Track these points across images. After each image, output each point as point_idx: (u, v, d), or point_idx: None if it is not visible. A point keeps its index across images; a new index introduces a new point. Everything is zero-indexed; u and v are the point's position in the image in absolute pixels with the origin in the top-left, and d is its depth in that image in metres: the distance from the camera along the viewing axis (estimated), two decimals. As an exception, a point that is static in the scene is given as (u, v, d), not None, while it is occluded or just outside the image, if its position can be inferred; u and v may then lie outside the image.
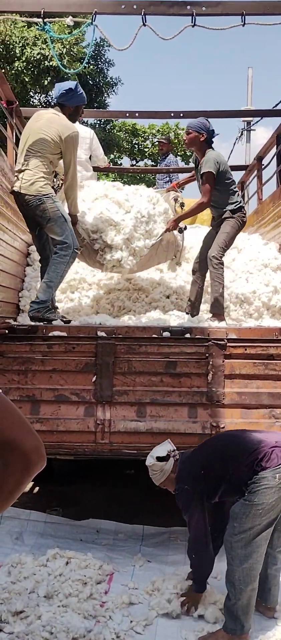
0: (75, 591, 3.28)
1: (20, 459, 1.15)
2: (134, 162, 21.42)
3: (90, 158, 6.88)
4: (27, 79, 12.02)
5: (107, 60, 17.53)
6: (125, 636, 2.97)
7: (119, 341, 3.75)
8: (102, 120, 17.42)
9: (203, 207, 4.63)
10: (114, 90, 18.11)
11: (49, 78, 12.16)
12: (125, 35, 4.86)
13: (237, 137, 15.23)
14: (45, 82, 12.19)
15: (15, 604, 3.10)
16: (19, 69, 11.69)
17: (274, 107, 7.17)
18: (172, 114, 7.72)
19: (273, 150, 6.51)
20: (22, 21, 10.27)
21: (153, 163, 21.10)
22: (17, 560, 3.58)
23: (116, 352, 3.73)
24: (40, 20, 4.65)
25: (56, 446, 3.69)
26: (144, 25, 4.41)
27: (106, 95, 18.00)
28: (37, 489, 5.31)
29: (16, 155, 5.75)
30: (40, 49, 11.54)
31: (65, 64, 11.33)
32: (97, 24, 4.55)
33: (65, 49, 11.62)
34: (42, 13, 4.55)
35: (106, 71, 17.67)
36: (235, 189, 4.75)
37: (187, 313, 4.78)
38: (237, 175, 8.32)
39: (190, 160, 21.25)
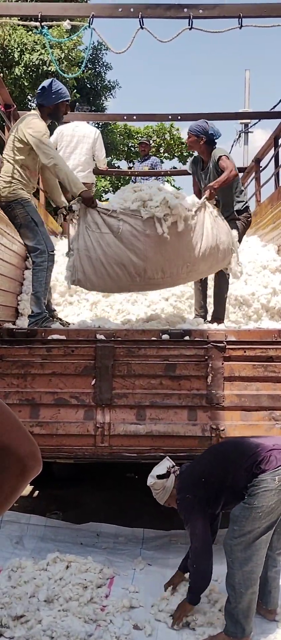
0: (75, 595, 3.28)
1: (15, 464, 1.14)
2: (131, 165, 21.43)
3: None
4: (25, 84, 12.03)
5: (104, 63, 17.57)
6: (126, 640, 2.96)
7: (118, 344, 3.75)
8: (100, 123, 17.43)
9: (234, 176, 4.38)
10: (111, 94, 18.14)
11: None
12: (123, 39, 4.88)
13: (235, 139, 15.27)
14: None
15: (16, 609, 3.09)
16: (18, 74, 11.70)
17: (272, 109, 7.19)
18: (170, 117, 7.74)
19: (271, 152, 6.52)
20: (21, 25, 10.30)
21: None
22: (17, 565, 3.57)
23: (115, 355, 3.73)
24: (38, 24, 4.65)
25: (55, 450, 3.68)
26: (141, 28, 4.42)
27: (103, 99, 18.02)
28: (37, 492, 5.30)
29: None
30: (39, 54, 11.55)
31: (63, 68, 11.34)
32: (95, 28, 4.56)
33: (63, 54, 11.63)
34: (39, 17, 4.55)
35: (103, 74, 17.71)
36: (241, 188, 4.74)
37: (197, 316, 4.73)
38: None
39: (187, 160, 21.28)
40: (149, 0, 4.52)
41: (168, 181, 10.33)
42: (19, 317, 4.96)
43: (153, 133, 21.10)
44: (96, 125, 16.87)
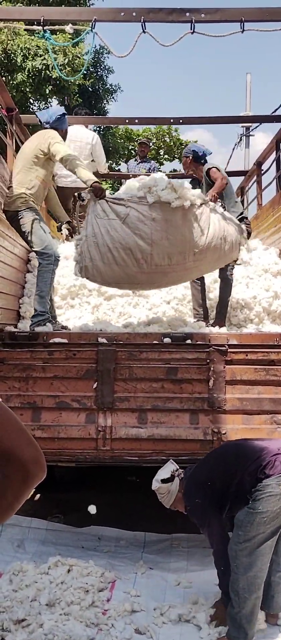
0: (77, 599, 3.27)
1: (18, 470, 1.13)
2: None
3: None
4: (28, 89, 12.06)
5: (106, 67, 17.59)
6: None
7: (120, 347, 3.75)
8: (102, 127, 17.45)
9: (225, 184, 4.54)
10: (113, 97, 18.16)
11: (50, 87, 12.20)
12: (125, 42, 4.88)
13: (236, 143, 15.27)
14: (47, 91, 12.23)
15: (17, 613, 3.08)
16: (21, 79, 11.73)
17: (273, 112, 7.19)
18: (171, 120, 7.74)
19: (273, 155, 6.52)
20: (24, 29, 10.31)
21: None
22: (18, 568, 3.56)
23: (117, 359, 3.72)
24: (40, 27, 4.66)
25: (57, 453, 3.68)
26: (143, 32, 4.43)
27: (105, 102, 18.04)
28: (38, 496, 5.29)
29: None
30: (42, 59, 11.58)
31: (66, 73, 11.36)
32: (97, 32, 4.57)
33: (67, 59, 11.66)
34: (42, 21, 4.56)
35: (105, 78, 17.73)
36: (236, 199, 4.79)
37: (198, 320, 4.75)
38: (237, 181, 8.34)
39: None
40: (152, 4, 4.54)
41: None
42: (21, 320, 4.96)
43: (152, 136, 21.10)
44: (98, 128, 16.93)
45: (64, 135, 4.56)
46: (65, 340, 3.80)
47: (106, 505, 5.09)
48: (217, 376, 3.69)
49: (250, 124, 14.24)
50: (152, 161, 9.28)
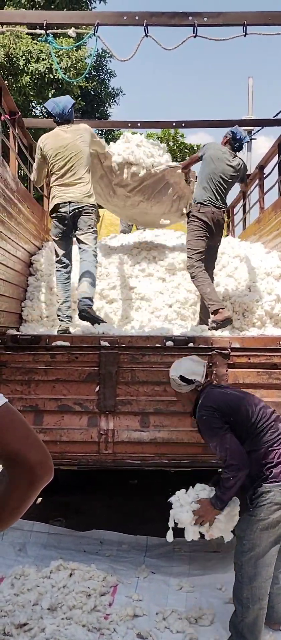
0: (79, 603, 3.26)
1: (25, 473, 1.12)
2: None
3: None
4: (30, 92, 12.11)
5: (108, 71, 17.64)
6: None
7: (122, 351, 3.74)
8: (104, 130, 17.49)
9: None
10: (115, 101, 18.21)
11: (52, 90, 12.25)
12: (127, 46, 4.89)
13: (238, 146, 15.20)
14: (49, 95, 12.28)
15: (19, 617, 3.07)
16: (23, 82, 11.77)
17: (275, 116, 7.18)
18: (174, 124, 7.74)
19: (275, 159, 6.51)
20: (26, 34, 10.35)
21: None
22: (20, 572, 3.56)
23: (119, 362, 3.72)
24: (43, 31, 4.67)
25: (59, 456, 3.67)
26: (146, 36, 4.43)
27: (107, 106, 18.09)
28: (40, 499, 5.28)
29: (19, 165, 5.79)
30: (45, 63, 11.63)
31: (70, 76, 11.40)
32: (100, 35, 4.57)
33: (70, 62, 11.70)
34: (45, 25, 4.57)
35: (107, 82, 17.78)
36: (204, 186, 4.85)
37: (202, 322, 4.77)
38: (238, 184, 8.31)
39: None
40: (154, 8, 4.54)
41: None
42: (23, 323, 4.96)
43: (157, 139, 21.16)
44: (100, 132, 16.96)
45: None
46: (67, 344, 3.79)
47: (108, 509, 5.08)
48: (219, 379, 3.68)
49: (252, 128, 14.20)
50: None
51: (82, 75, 10.75)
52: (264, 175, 7.21)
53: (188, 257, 4.75)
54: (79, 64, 11.94)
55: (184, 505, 3.04)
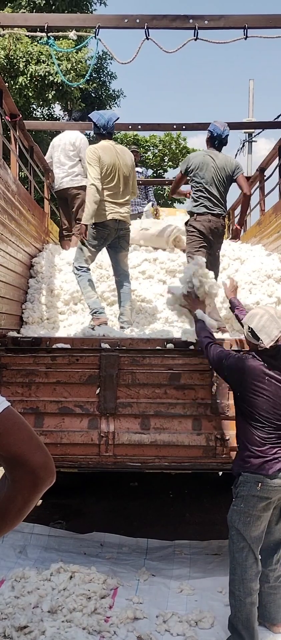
0: (79, 606, 3.26)
1: (27, 476, 1.12)
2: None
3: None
4: (30, 94, 12.12)
5: (109, 73, 17.66)
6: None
7: (122, 353, 3.74)
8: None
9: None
10: (116, 103, 18.22)
11: (52, 92, 12.27)
12: (128, 48, 4.90)
13: (239, 149, 15.30)
14: (50, 97, 12.29)
15: (19, 619, 3.07)
16: (23, 83, 11.78)
17: (275, 118, 7.21)
18: (175, 126, 7.74)
19: (276, 161, 6.52)
20: (26, 36, 10.36)
21: (155, 174, 21.23)
22: (20, 575, 3.55)
23: (120, 364, 3.72)
24: (44, 34, 4.68)
25: (59, 459, 3.67)
26: (147, 39, 4.43)
27: (108, 108, 18.09)
28: (40, 502, 5.28)
29: (20, 167, 5.80)
30: (45, 65, 11.64)
31: (70, 79, 11.42)
32: (101, 38, 4.58)
33: (70, 64, 11.72)
34: (46, 28, 4.58)
35: (108, 84, 17.79)
36: (195, 195, 4.79)
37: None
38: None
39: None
40: (155, 11, 4.56)
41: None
42: (24, 325, 4.96)
43: (160, 142, 21.21)
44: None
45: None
46: (68, 346, 3.79)
47: (109, 512, 5.08)
48: (220, 382, 3.68)
49: (252, 130, 14.26)
50: (143, 168, 9.66)
51: (83, 79, 10.75)
52: (265, 178, 7.22)
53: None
54: (79, 66, 11.96)
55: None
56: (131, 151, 9.25)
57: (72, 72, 11.60)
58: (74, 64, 11.73)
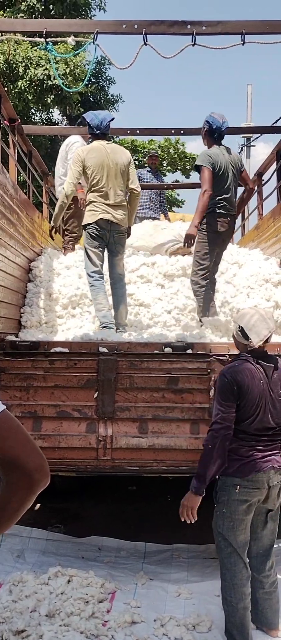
0: (77, 610, 3.25)
1: (23, 478, 1.15)
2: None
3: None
4: (29, 97, 12.16)
5: (108, 77, 17.72)
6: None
7: (121, 357, 3.75)
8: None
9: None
10: (115, 108, 18.28)
11: (52, 96, 12.31)
12: (126, 53, 4.93)
13: (237, 153, 15.32)
14: (48, 101, 12.33)
15: (17, 623, 3.07)
16: (22, 87, 11.83)
17: (273, 123, 7.22)
18: (173, 131, 7.78)
19: (273, 166, 6.55)
20: (25, 41, 10.41)
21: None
22: (18, 579, 3.55)
23: (118, 368, 3.72)
24: (42, 40, 4.71)
25: (57, 463, 3.67)
26: (145, 44, 4.46)
27: (106, 112, 18.17)
28: (38, 506, 5.28)
29: (18, 172, 5.81)
30: (44, 69, 11.68)
31: (68, 83, 11.47)
32: (99, 44, 4.60)
33: (69, 69, 11.77)
34: (44, 33, 4.60)
35: (106, 88, 17.86)
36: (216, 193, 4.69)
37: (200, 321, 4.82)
38: (238, 191, 8.37)
39: (190, 173, 21.53)
40: (153, 16, 4.59)
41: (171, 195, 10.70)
42: (22, 329, 4.97)
43: (158, 147, 21.28)
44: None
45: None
46: (66, 350, 3.80)
47: (107, 516, 5.08)
48: (218, 386, 3.68)
49: (250, 135, 14.31)
50: (160, 175, 9.71)
51: (82, 84, 10.81)
52: (263, 182, 7.25)
53: (194, 269, 4.80)
54: (77, 70, 12.01)
55: None
56: (150, 156, 9.35)
57: (69, 76, 11.65)
58: (73, 68, 11.78)
